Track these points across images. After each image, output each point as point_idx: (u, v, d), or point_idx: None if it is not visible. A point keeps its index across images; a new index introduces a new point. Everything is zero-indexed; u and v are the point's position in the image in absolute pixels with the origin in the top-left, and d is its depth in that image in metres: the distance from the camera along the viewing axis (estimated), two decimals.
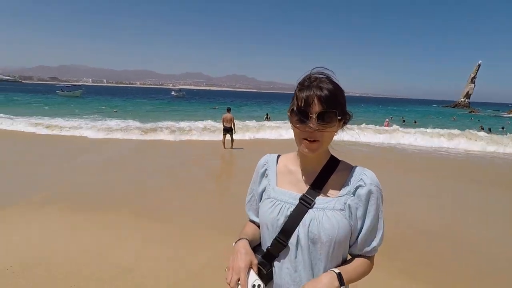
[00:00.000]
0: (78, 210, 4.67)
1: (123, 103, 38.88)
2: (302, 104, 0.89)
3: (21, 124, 14.59)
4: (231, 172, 8.43)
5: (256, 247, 1.07)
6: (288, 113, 0.97)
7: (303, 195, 0.98)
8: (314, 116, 0.88)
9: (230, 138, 11.08)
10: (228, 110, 11.37)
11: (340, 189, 0.99)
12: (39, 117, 18.06)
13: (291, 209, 0.98)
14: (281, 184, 1.06)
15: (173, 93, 73.85)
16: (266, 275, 1.00)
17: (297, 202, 0.98)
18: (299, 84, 0.95)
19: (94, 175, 6.75)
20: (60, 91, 49.88)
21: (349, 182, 0.99)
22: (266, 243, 1.03)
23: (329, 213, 0.95)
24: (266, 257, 1.01)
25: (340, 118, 0.92)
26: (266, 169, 1.11)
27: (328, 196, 0.98)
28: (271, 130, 15.71)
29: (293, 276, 0.98)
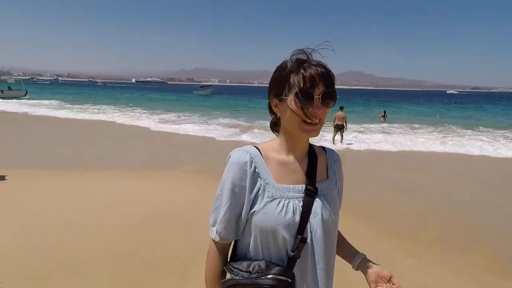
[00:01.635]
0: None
1: (242, 102, 42.45)
2: (308, 85, 0.84)
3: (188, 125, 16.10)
4: None
5: (256, 264, 0.89)
6: (285, 97, 0.88)
7: (307, 186, 0.93)
8: (319, 97, 0.85)
9: (340, 136, 11.67)
10: (341, 108, 12.02)
11: (327, 170, 1.02)
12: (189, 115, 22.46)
13: (301, 203, 0.91)
14: (279, 179, 0.92)
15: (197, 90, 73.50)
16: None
17: (302, 195, 0.92)
18: (295, 64, 0.88)
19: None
20: (195, 91, 59.02)
21: (330, 162, 1.04)
22: (274, 251, 0.91)
23: (329, 196, 0.97)
24: (289, 265, 0.89)
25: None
26: (255, 167, 0.91)
27: (322, 181, 0.98)
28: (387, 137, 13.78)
29: (316, 274, 0.93)
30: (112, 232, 3.84)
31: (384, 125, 18.50)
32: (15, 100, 28.60)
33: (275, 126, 1.01)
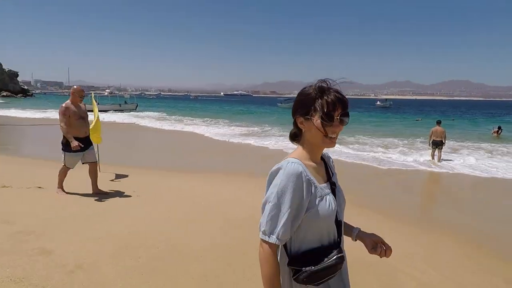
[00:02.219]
0: None
1: None
2: (330, 108, 1.10)
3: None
4: None
5: (317, 251, 1.15)
6: (311, 117, 1.13)
7: (330, 182, 1.22)
8: (338, 117, 1.12)
9: (438, 153, 10.51)
10: (438, 123, 11.01)
11: (332, 167, 1.31)
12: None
13: (332, 196, 1.18)
14: (318, 181, 1.17)
15: (378, 103, 71.00)
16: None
17: (329, 190, 1.19)
18: (318, 91, 1.14)
19: None
20: (279, 104, 60.07)
21: (328, 161, 1.32)
22: (325, 237, 1.17)
23: (339, 186, 1.27)
24: (339, 243, 1.19)
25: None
26: (307, 175, 1.12)
27: (333, 175, 1.28)
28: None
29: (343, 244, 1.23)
30: (220, 228, 4.18)
31: (497, 144, 15.43)
32: (128, 112, 33.62)
33: (295, 137, 1.25)
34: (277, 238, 1.09)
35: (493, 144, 15.06)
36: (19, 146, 12.04)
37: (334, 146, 1.16)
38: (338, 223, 1.19)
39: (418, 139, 15.82)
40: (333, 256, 1.11)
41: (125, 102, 38.21)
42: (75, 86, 5.32)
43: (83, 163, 5.34)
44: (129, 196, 5.42)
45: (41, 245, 3.30)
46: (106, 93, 44.64)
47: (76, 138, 4.98)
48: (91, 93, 8.02)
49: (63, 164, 5.17)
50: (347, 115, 1.14)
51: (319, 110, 1.11)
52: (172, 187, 6.26)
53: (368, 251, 1.25)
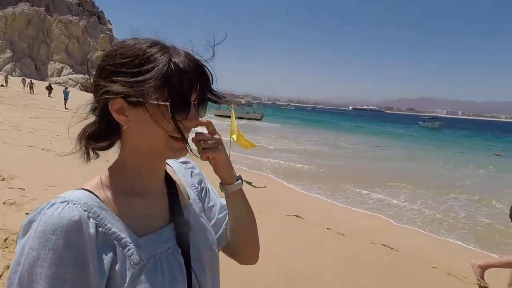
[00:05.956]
0: None
1: (498, 143, 32.15)
2: (185, 85, 0.58)
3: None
4: None
5: None
6: (145, 99, 0.56)
7: (177, 222, 0.66)
8: (195, 102, 0.62)
9: None
10: None
11: (188, 190, 0.77)
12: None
13: (179, 252, 0.64)
14: (139, 230, 0.61)
15: (421, 122, 53.79)
16: None
17: (174, 239, 0.65)
18: (159, 50, 0.58)
19: None
20: (421, 122, 52.91)
21: (182, 174, 0.78)
22: None
23: (201, 224, 0.72)
24: None
25: None
26: (97, 224, 0.56)
27: (186, 207, 0.72)
28: None
29: None
30: None
31: None
32: (253, 122, 34.53)
33: (101, 139, 0.63)
34: None
35: None
36: None
37: (186, 154, 0.64)
38: None
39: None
40: None
41: (254, 112, 39.87)
42: None
43: None
44: None
45: None
46: (243, 101, 48.40)
47: None
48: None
49: None
50: (208, 99, 0.65)
51: (161, 88, 0.56)
52: None
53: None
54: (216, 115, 35.92)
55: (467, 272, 3.81)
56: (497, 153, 20.36)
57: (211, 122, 0.70)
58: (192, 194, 0.76)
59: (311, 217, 5.15)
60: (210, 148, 0.67)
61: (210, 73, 0.63)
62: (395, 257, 4.01)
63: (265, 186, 7.37)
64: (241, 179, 0.76)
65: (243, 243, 0.79)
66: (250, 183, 7.37)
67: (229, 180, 0.73)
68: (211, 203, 0.81)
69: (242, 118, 35.14)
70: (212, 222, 0.78)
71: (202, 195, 0.79)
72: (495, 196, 8.16)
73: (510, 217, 3.23)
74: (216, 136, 0.69)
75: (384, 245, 4.31)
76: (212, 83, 0.64)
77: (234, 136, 7.57)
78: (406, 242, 4.64)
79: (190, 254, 0.65)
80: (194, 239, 0.68)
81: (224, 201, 0.79)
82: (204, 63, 0.62)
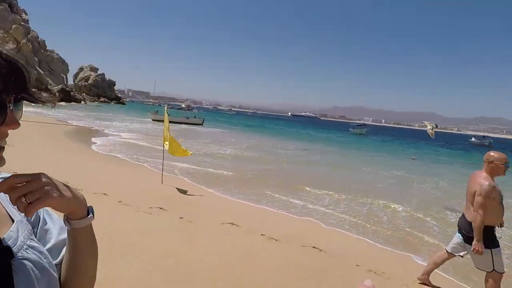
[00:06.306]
0: None
1: (412, 148, 36.79)
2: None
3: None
4: None
5: None
6: None
7: None
8: (11, 104, 0.53)
9: None
10: None
11: (11, 209, 0.62)
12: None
13: None
14: None
15: (473, 139, 61.62)
16: None
17: None
18: None
19: None
20: (352, 129, 58.05)
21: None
22: None
23: (32, 255, 0.58)
24: None
25: None
26: None
27: (7, 230, 0.58)
28: None
29: None
30: None
31: None
32: (194, 127, 32.99)
33: None
34: None
35: None
36: None
37: (3, 164, 0.55)
38: None
39: None
40: None
41: (194, 117, 38.47)
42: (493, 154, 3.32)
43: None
44: None
45: None
46: (183, 105, 47.03)
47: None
48: (165, 105, 7.68)
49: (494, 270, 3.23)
50: (24, 98, 0.56)
51: None
52: None
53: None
54: (153, 120, 34.11)
55: (385, 268, 4.21)
56: (412, 157, 23.06)
57: (16, 175, 0.55)
58: (18, 215, 0.63)
59: (244, 223, 5.16)
60: (38, 199, 0.53)
61: (26, 68, 0.53)
62: (322, 258, 4.24)
63: (202, 195, 7.22)
64: (93, 213, 0.65)
65: (79, 278, 0.68)
66: (185, 192, 7.14)
67: (76, 216, 0.62)
68: (47, 225, 0.69)
69: (182, 123, 33.93)
70: (48, 246, 0.66)
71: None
72: (406, 199, 9.19)
73: (457, 226, 3.55)
74: (38, 181, 0.54)
75: (314, 247, 4.52)
76: (29, 81, 0.55)
77: (167, 143, 7.19)
78: (333, 244, 4.94)
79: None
80: (20, 268, 0.55)
81: (62, 223, 0.66)
82: (17, 58, 0.52)
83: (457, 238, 3.56)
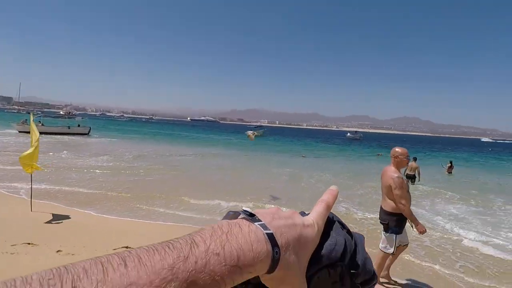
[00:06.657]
0: None
1: (301, 146, 40.81)
2: None
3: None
4: None
5: None
6: None
7: None
8: None
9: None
10: (415, 159, 12.29)
11: None
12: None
13: None
14: None
15: (348, 134, 71.46)
16: None
17: None
18: None
19: None
20: (250, 131, 60.24)
21: None
22: None
23: None
24: None
25: None
26: None
27: None
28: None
29: None
30: None
31: (450, 179, 15.73)
32: (79, 137, 28.11)
33: None
34: None
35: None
36: None
37: None
38: None
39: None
40: None
41: (78, 125, 32.50)
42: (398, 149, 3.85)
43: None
44: None
45: None
46: (62, 112, 40.59)
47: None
48: (29, 113, 6.35)
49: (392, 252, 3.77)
50: None
51: None
52: None
53: None
54: (20, 132, 27.84)
55: None
56: (303, 155, 25.25)
57: None
58: None
59: (144, 244, 4.66)
60: None
61: None
62: None
63: (81, 219, 6.25)
64: None
65: None
66: (59, 218, 6.07)
67: None
68: None
69: (64, 134, 28.63)
70: None
71: None
72: (300, 197, 10.04)
73: (379, 219, 3.83)
74: None
75: None
76: None
77: (25, 154, 5.75)
78: None
79: None
80: None
81: None
82: None
83: (383, 235, 3.81)
